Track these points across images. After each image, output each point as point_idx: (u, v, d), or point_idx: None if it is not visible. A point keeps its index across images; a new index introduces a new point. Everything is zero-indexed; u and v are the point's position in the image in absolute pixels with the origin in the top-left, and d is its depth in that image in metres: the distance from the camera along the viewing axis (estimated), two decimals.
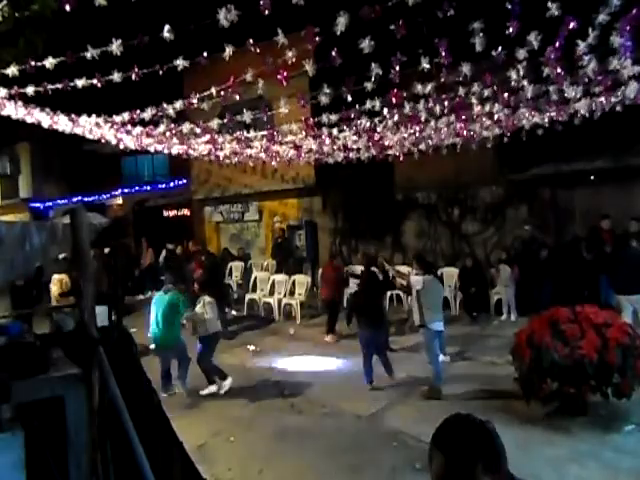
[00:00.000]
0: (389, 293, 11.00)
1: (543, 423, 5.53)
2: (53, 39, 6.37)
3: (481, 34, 4.52)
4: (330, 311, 10.20)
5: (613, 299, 8.31)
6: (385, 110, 7.00)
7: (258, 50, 5.10)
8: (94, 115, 7.04)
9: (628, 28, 4.54)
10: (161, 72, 5.15)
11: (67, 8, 4.06)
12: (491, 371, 7.34)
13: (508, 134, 8.43)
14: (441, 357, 7.36)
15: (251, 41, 5.04)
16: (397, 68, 5.20)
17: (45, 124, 7.26)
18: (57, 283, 8.92)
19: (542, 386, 5.48)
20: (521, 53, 5.18)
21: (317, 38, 4.44)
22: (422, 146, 9.22)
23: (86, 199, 20.24)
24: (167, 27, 4.42)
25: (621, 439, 5.16)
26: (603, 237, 9.68)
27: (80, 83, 5.43)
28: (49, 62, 4.98)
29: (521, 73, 5.70)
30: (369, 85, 5.71)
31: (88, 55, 4.74)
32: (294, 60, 4.89)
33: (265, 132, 8.51)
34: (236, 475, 4.97)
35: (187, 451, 2.71)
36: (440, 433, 1.50)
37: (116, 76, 5.27)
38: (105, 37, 4.63)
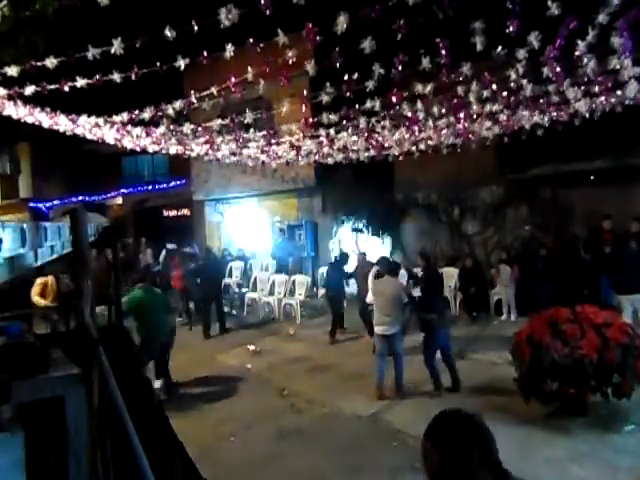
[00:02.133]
0: None
1: (543, 423, 5.53)
2: (54, 39, 6.37)
3: (482, 34, 4.52)
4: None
5: (613, 299, 8.31)
6: (385, 110, 7.01)
7: (258, 50, 5.10)
8: (94, 115, 7.05)
9: (628, 28, 4.54)
10: (161, 71, 5.16)
11: (68, 5, 4.06)
12: (491, 371, 7.34)
13: (508, 134, 8.44)
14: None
15: (251, 41, 5.04)
16: (399, 68, 5.20)
17: (45, 124, 7.26)
18: (39, 285, 8.80)
19: (542, 386, 5.48)
20: (521, 53, 5.18)
21: (317, 38, 4.44)
22: (422, 146, 9.24)
23: (86, 199, 20.24)
24: (168, 27, 4.42)
25: (621, 439, 5.16)
26: (604, 237, 9.68)
27: (80, 83, 5.44)
28: (50, 62, 4.98)
29: (521, 73, 5.70)
30: (369, 85, 5.72)
31: (89, 55, 4.74)
32: (294, 60, 4.89)
33: (264, 132, 8.52)
34: (236, 475, 4.98)
35: (187, 451, 2.71)
36: (431, 430, 1.49)
37: (116, 76, 5.27)
38: (105, 37, 4.63)
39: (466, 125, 7.99)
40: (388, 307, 6.80)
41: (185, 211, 19.45)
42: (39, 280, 8.83)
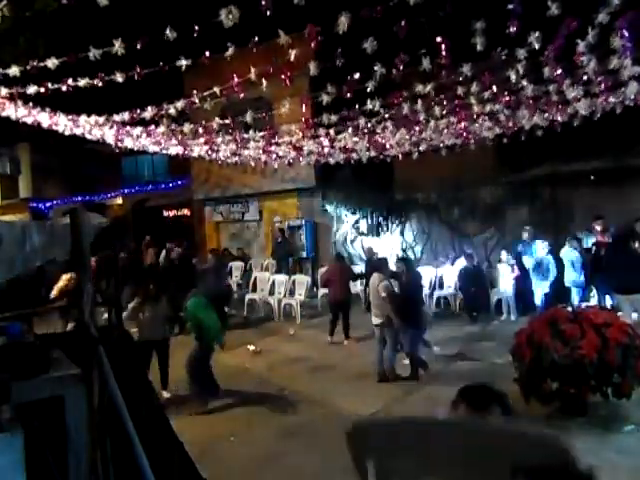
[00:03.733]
0: None
1: (543, 423, 5.53)
2: (54, 39, 6.38)
3: (482, 34, 4.53)
4: (343, 313, 9.78)
5: (613, 299, 8.30)
6: (385, 110, 7.02)
7: (259, 50, 5.11)
8: (94, 115, 7.05)
9: (628, 28, 4.54)
10: (163, 72, 5.15)
11: (68, 5, 4.06)
12: (491, 371, 7.34)
13: (508, 134, 8.44)
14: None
15: (255, 39, 5.04)
16: (400, 68, 5.21)
17: (45, 124, 7.27)
18: (65, 281, 8.77)
19: (542, 386, 5.47)
20: (521, 53, 5.19)
21: (319, 38, 4.45)
22: (422, 146, 9.24)
23: (86, 199, 20.24)
24: (169, 27, 4.42)
25: (621, 439, 5.15)
26: (597, 238, 9.69)
27: (82, 83, 5.44)
28: (51, 62, 4.98)
29: (521, 73, 5.71)
30: (370, 85, 5.72)
31: (90, 55, 4.74)
32: (295, 60, 4.90)
33: (264, 133, 8.52)
34: (236, 475, 4.97)
35: (187, 451, 2.71)
36: (462, 390, 1.81)
37: (118, 76, 5.27)
38: (105, 37, 4.63)
39: (466, 125, 8.00)
40: (375, 300, 7.51)
41: (185, 211, 19.45)
42: (65, 276, 8.85)
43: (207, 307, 6.97)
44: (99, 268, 7.94)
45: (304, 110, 8.10)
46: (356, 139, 8.57)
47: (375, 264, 8.09)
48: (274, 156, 9.86)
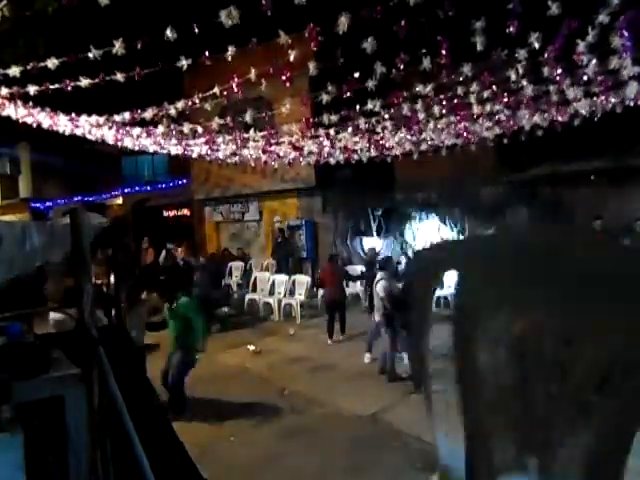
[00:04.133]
0: None
1: None
2: (54, 39, 6.37)
3: (482, 34, 4.53)
4: (339, 313, 9.83)
5: None
6: (386, 110, 7.02)
7: (259, 50, 5.11)
8: (94, 115, 7.05)
9: (628, 28, 4.55)
10: (163, 72, 5.15)
11: (68, 5, 4.06)
12: None
13: (508, 134, 8.45)
14: None
15: (255, 39, 5.04)
16: (400, 68, 5.21)
17: (45, 124, 7.27)
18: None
19: None
20: (521, 53, 5.19)
21: (319, 38, 4.45)
22: (423, 146, 9.25)
23: (86, 199, 20.23)
24: (169, 27, 4.42)
25: None
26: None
27: (83, 83, 5.43)
28: (51, 62, 4.98)
29: (521, 73, 5.71)
30: (370, 85, 5.72)
31: (90, 55, 4.74)
32: (295, 60, 4.90)
33: (264, 133, 8.52)
34: (236, 475, 4.97)
35: (187, 451, 2.71)
36: None
37: (119, 76, 5.27)
38: (105, 37, 4.63)
39: (466, 125, 8.00)
40: (375, 301, 7.70)
41: (185, 211, 19.45)
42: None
43: (197, 309, 6.87)
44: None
45: (304, 110, 8.11)
46: (356, 139, 8.57)
47: (380, 264, 8.10)
48: (274, 156, 9.86)
